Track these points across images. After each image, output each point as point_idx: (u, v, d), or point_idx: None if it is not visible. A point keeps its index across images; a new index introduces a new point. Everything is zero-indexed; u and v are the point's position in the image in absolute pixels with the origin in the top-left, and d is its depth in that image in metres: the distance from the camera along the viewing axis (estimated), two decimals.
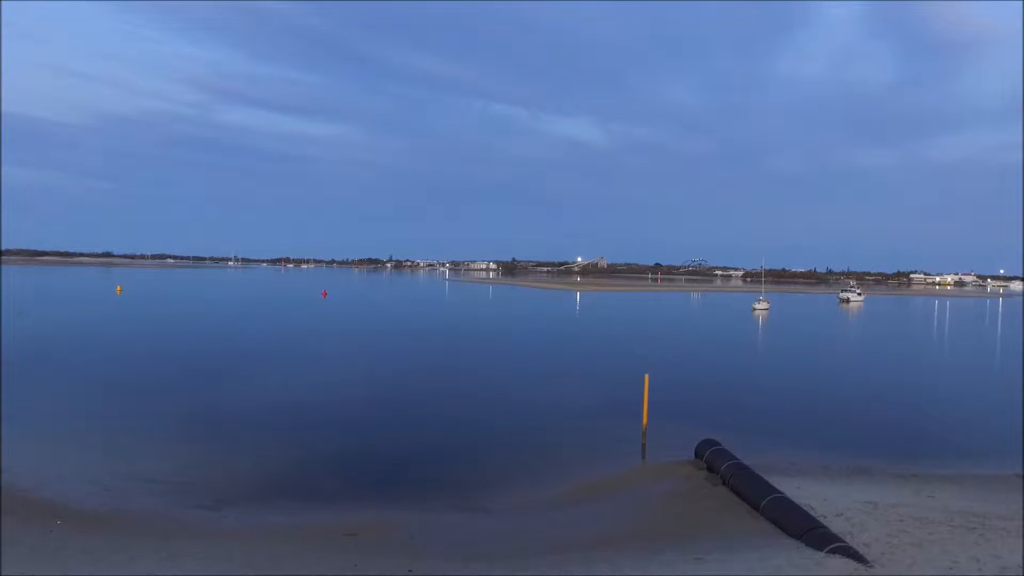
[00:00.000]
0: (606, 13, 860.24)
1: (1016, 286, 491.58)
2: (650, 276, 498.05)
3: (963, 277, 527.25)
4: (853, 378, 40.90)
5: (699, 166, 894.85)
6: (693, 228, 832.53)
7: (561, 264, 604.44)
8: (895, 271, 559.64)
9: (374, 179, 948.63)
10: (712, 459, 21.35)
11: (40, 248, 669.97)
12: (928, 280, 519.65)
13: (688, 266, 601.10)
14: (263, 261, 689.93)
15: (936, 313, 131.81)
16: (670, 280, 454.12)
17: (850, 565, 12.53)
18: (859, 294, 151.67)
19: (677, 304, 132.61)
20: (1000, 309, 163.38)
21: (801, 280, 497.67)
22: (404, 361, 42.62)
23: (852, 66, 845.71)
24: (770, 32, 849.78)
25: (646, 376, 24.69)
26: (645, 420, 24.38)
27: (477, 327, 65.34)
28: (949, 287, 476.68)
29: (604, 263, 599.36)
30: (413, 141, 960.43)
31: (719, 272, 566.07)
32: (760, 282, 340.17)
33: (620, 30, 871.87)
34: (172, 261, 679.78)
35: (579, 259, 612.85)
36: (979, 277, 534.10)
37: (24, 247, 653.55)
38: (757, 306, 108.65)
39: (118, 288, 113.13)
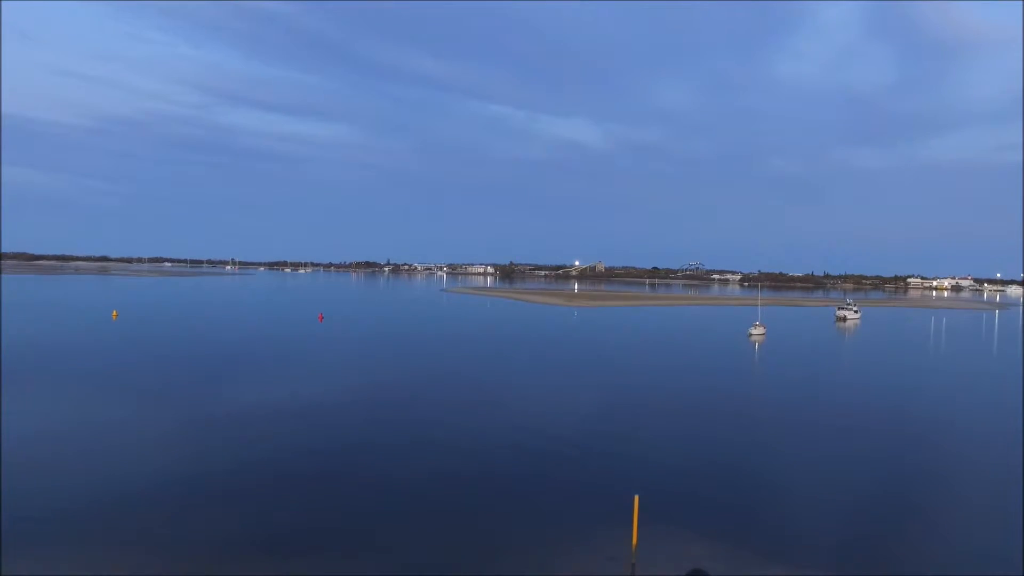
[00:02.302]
0: (603, 14, 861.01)
1: (1013, 291, 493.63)
2: (647, 281, 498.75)
3: (960, 281, 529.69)
4: (847, 452, 40.93)
5: (697, 167, 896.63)
6: (691, 229, 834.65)
7: (559, 268, 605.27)
8: (892, 274, 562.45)
9: (372, 180, 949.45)
10: None
11: (37, 252, 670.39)
12: (925, 284, 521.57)
13: (685, 270, 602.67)
14: (261, 265, 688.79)
15: (932, 336, 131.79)
16: (667, 285, 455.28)
17: None
18: (855, 311, 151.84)
19: (671, 327, 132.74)
20: (996, 327, 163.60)
21: (799, 285, 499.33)
22: (388, 431, 42.44)
23: (850, 67, 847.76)
24: (768, 33, 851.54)
25: (636, 498, 24.69)
26: (635, 541, 24.39)
27: (461, 381, 65.43)
28: (946, 292, 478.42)
29: (602, 267, 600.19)
30: (411, 142, 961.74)
31: (716, 276, 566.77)
32: (757, 288, 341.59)
33: (618, 31, 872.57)
34: (169, 265, 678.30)
35: (576, 263, 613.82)
36: (976, 281, 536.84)
37: (21, 250, 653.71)
38: (753, 332, 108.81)
39: (114, 313, 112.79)
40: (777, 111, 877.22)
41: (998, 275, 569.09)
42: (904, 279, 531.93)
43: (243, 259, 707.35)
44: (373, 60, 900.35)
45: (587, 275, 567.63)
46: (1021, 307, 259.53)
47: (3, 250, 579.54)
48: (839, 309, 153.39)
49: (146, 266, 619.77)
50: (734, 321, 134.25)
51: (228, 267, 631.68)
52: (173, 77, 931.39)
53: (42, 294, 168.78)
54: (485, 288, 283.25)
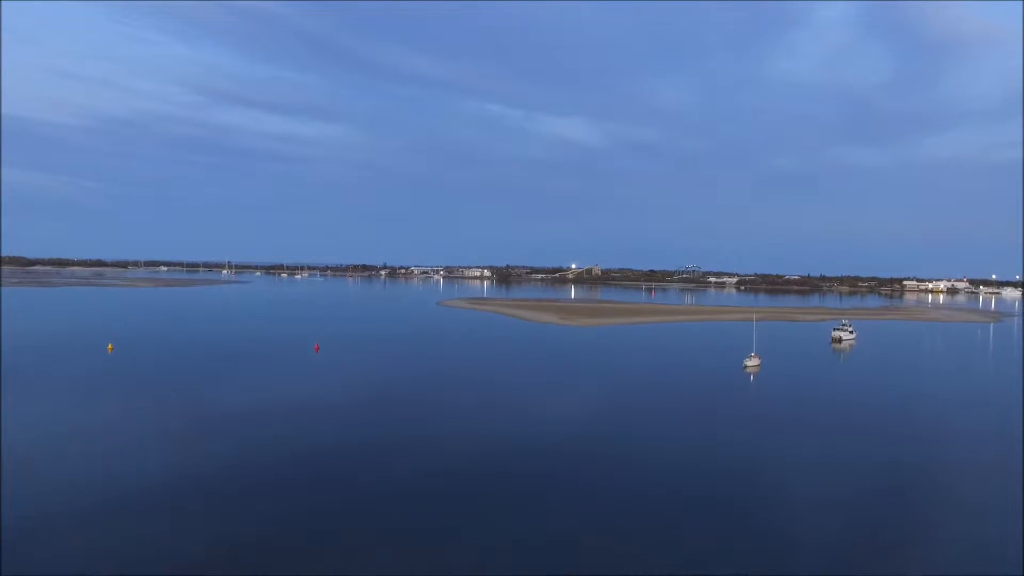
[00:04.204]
0: (601, 14, 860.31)
1: (1009, 293, 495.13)
2: (644, 286, 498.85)
3: (955, 284, 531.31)
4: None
5: (694, 166, 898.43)
6: (688, 228, 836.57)
7: (555, 271, 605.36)
8: (889, 274, 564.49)
9: (370, 180, 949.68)
10: None
11: (33, 255, 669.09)
12: (921, 287, 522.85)
13: (682, 272, 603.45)
14: (257, 268, 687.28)
15: (928, 358, 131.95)
16: (663, 290, 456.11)
17: None
18: (851, 332, 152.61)
19: (666, 357, 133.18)
20: (993, 344, 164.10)
21: (794, 288, 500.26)
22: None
23: (846, 66, 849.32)
24: (765, 32, 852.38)
25: None
26: None
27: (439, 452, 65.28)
28: (941, 295, 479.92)
29: (598, 271, 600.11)
30: (408, 142, 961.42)
31: (712, 279, 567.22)
32: (754, 294, 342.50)
33: (615, 31, 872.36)
34: (165, 269, 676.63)
35: (573, 266, 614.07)
36: (971, 283, 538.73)
37: (17, 253, 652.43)
38: (748, 363, 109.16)
39: (109, 347, 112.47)
40: (774, 110, 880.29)
41: (993, 276, 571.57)
42: (900, 281, 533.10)
43: (239, 260, 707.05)
44: (370, 60, 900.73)
45: (584, 279, 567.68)
46: (1018, 316, 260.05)
47: (1, 254, 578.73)
48: (835, 330, 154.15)
49: (142, 271, 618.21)
50: (730, 346, 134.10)
51: (224, 271, 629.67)
52: (170, 77, 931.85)
53: (35, 314, 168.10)
54: (481, 299, 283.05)
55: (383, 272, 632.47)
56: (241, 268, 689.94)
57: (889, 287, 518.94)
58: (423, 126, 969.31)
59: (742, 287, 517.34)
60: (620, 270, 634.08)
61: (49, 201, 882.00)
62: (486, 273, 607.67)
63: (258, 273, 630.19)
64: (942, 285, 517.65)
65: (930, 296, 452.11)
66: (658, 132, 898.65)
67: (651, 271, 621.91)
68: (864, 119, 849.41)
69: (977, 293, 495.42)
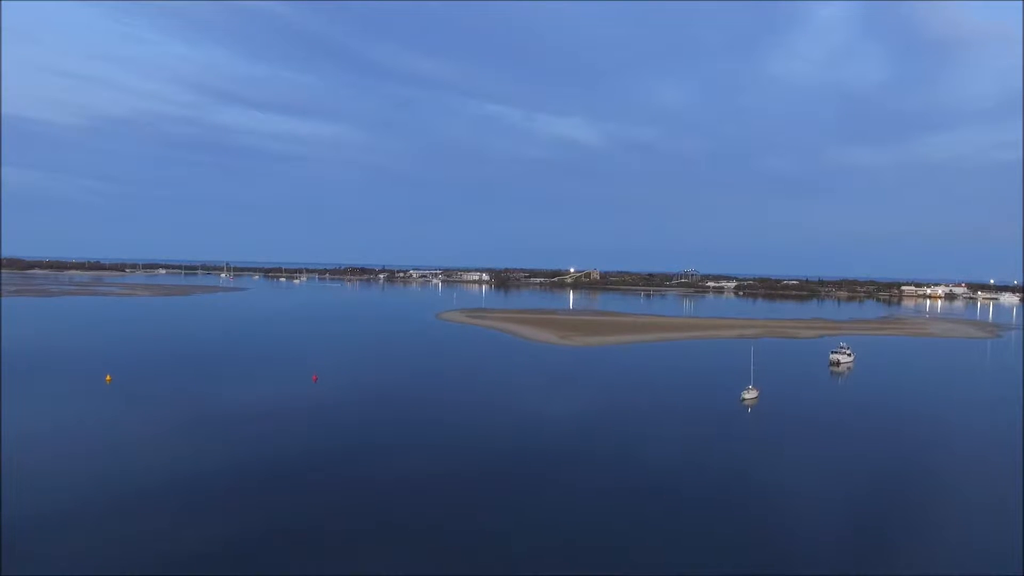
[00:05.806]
0: (600, 14, 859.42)
1: (1007, 298, 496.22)
2: (643, 291, 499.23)
3: (953, 289, 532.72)
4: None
5: (693, 166, 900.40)
6: (687, 229, 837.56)
7: (554, 275, 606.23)
8: (888, 276, 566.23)
9: (369, 181, 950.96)
10: None
11: (31, 255, 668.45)
12: (919, 292, 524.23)
13: (680, 276, 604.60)
14: (256, 272, 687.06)
15: (926, 381, 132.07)
16: (662, 295, 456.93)
17: None
18: (849, 354, 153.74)
19: (662, 385, 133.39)
20: (992, 362, 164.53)
21: (793, 293, 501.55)
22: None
23: (845, 66, 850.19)
24: (764, 33, 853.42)
25: None
26: None
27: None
28: (939, 300, 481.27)
29: (597, 275, 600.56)
30: (408, 141, 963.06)
31: (711, 284, 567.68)
32: (752, 299, 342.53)
33: (614, 31, 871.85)
34: (163, 272, 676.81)
35: (572, 269, 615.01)
36: (969, 287, 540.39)
37: (16, 254, 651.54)
38: (746, 396, 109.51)
39: (107, 378, 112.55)
40: (773, 110, 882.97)
41: (992, 281, 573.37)
42: (898, 286, 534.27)
43: (238, 260, 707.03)
44: (370, 60, 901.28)
45: (582, 283, 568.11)
46: (1016, 329, 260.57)
47: (1, 255, 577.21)
48: (833, 353, 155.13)
49: (140, 275, 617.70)
50: (728, 371, 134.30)
51: (223, 275, 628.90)
52: (169, 77, 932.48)
53: (32, 330, 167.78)
54: (480, 311, 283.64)
55: (382, 276, 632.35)
56: (240, 271, 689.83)
57: (887, 292, 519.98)
58: (423, 126, 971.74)
59: (740, 292, 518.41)
60: (619, 273, 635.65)
61: (48, 200, 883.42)
62: (484, 277, 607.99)
63: (256, 277, 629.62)
64: (940, 291, 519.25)
65: (928, 302, 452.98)
66: (657, 132, 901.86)
67: (650, 274, 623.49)
68: (863, 119, 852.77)
69: (975, 299, 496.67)
